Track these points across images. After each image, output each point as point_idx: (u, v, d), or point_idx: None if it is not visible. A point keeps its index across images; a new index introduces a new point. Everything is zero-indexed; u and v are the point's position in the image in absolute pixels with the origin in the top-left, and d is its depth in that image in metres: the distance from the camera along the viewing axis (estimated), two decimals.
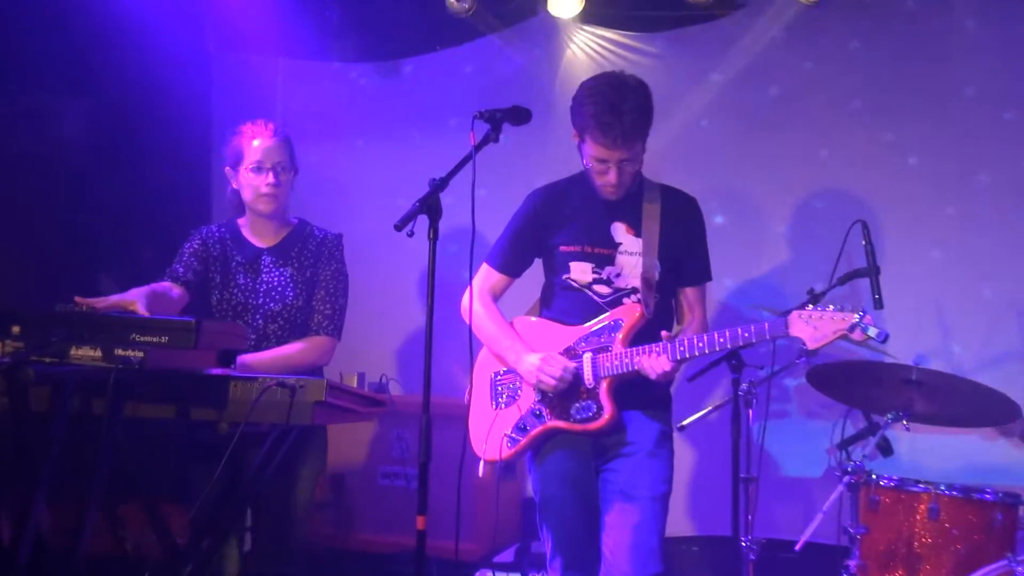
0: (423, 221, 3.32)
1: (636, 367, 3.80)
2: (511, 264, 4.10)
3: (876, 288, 4.16)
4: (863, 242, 4.28)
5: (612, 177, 3.82)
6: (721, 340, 3.69)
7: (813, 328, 3.53)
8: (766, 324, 3.62)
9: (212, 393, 3.50)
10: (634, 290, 3.95)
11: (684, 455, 4.94)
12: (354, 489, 5.42)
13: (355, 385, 4.90)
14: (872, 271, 4.21)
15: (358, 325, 4.60)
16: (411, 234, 3.26)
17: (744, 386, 4.66)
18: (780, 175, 5.55)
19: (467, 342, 3.64)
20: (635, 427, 3.97)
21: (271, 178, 4.28)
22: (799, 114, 5.50)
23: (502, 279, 4.13)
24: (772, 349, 4.25)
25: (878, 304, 4.15)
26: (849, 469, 4.32)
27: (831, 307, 3.56)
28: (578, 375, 3.91)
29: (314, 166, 5.06)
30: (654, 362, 3.75)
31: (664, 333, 3.82)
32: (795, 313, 3.59)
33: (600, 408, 3.87)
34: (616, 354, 3.85)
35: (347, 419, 3.80)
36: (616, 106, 3.71)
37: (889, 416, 4.34)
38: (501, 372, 4.08)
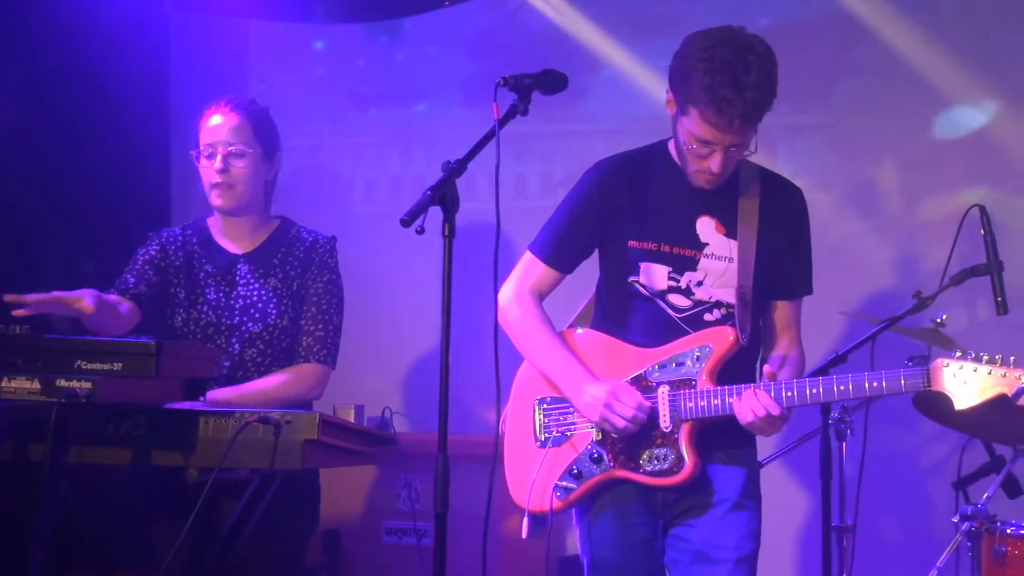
0: (435, 214, 3.27)
1: (729, 412, 3.75)
2: (564, 257, 4.01)
3: (999, 289, 4.11)
4: (981, 232, 4.19)
5: (715, 164, 3.76)
6: (842, 388, 3.64)
7: (962, 383, 3.53)
8: (902, 378, 3.61)
9: (178, 432, 3.50)
10: (718, 304, 3.91)
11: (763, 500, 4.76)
12: (352, 549, 5.41)
13: (352, 420, 4.82)
14: (993, 268, 4.14)
15: (355, 347, 4.60)
16: (421, 231, 3.20)
17: (835, 413, 4.61)
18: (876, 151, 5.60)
19: (492, 362, 3.44)
20: (717, 476, 3.94)
21: (219, 164, 4.32)
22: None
23: (551, 275, 4.02)
24: (871, 361, 4.10)
25: (1001, 309, 4.09)
26: (968, 514, 4.32)
27: (984, 357, 3.55)
28: (653, 415, 3.85)
29: (297, 152, 5.11)
30: (756, 406, 3.68)
31: (768, 370, 3.75)
32: (939, 363, 3.59)
33: (679, 459, 3.82)
34: (703, 392, 3.79)
35: (344, 462, 3.81)
36: (738, 79, 3.61)
37: (1021, 448, 4.39)
38: (548, 400, 3.99)
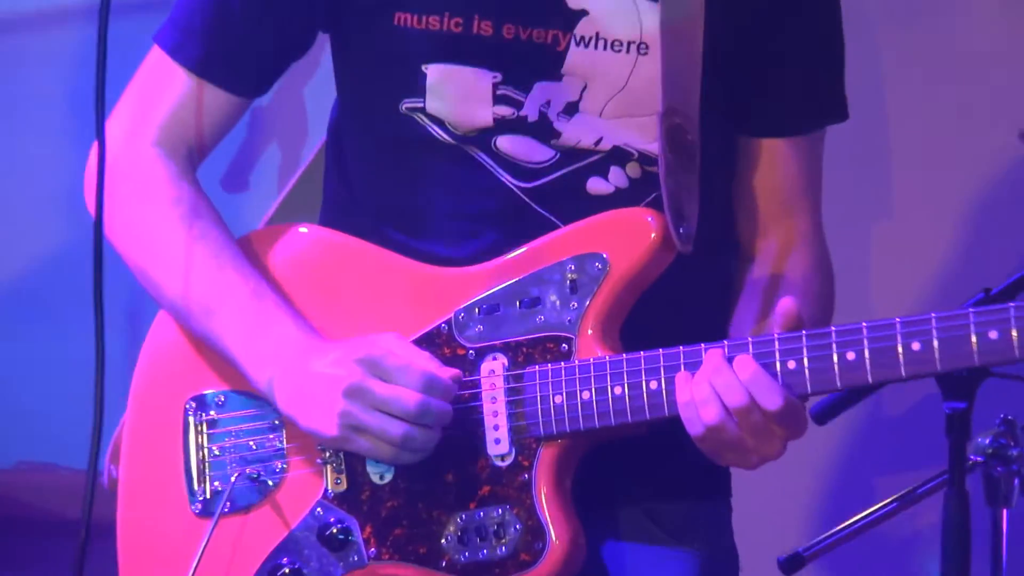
0: None
1: (658, 412, 2.44)
2: (237, 59, 2.71)
3: None
4: None
5: None
6: (918, 352, 2.34)
7: None
8: None
9: None
10: (616, 155, 2.59)
11: None
12: None
13: None
14: None
15: None
16: None
17: (986, 440, 3.16)
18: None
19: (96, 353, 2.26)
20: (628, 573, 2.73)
21: None
22: None
23: (214, 100, 2.70)
24: None
25: None
26: None
27: None
28: (469, 428, 2.55)
29: None
30: (729, 390, 2.39)
31: (788, 304, 2.44)
32: None
33: (535, 532, 2.53)
34: (590, 365, 2.50)
35: None
36: None
37: None
38: (218, 399, 2.66)
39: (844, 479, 3.75)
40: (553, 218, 2.54)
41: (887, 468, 4.20)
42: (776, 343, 2.35)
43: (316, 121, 4.03)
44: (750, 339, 2.36)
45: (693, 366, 2.39)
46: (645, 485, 2.60)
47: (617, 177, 2.58)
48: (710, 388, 2.34)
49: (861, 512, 3.50)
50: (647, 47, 2.54)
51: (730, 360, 2.34)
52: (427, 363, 2.46)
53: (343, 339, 2.53)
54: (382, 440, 2.41)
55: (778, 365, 2.35)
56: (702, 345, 2.38)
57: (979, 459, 3.08)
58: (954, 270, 4.61)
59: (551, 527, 2.45)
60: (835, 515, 3.45)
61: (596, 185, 2.58)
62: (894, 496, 3.50)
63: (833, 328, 2.36)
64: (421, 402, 2.40)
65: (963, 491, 2.74)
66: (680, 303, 2.56)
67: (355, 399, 2.41)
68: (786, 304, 2.39)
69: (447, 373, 2.46)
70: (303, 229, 2.72)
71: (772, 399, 2.30)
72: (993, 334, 2.31)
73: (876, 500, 3.55)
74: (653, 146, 2.53)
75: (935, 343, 2.32)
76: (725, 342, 2.37)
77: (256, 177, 4.14)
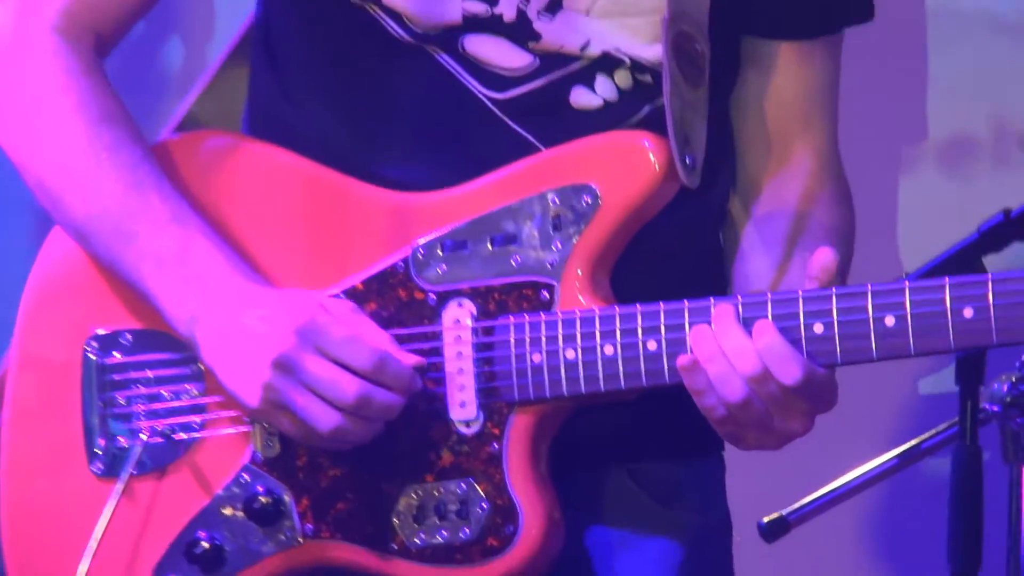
0: None
1: (656, 379, 2.25)
2: None
3: None
4: None
5: None
6: (970, 320, 2.19)
7: None
8: None
9: None
10: (606, 63, 2.42)
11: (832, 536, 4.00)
12: None
13: None
14: None
15: None
16: None
17: (994, 404, 3.04)
18: None
19: None
20: (610, 566, 2.52)
21: None
22: None
23: None
24: None
25: None
26: None
27: None
28: (434, 387, 2.34)
29: None
30: (743, 357, 2.19)
31: (825, 255, 2.23)
32: None
33: (504, 512, 2.32)
34: (576, 320, 2.30)
35: None
36: None
37: None
38: (125, 339, 2.45)
39: (837, 432, 3.56)
40: (530, 137, 2.28)
41: (887, 420, 4.07)
42: (800, 302, 2.11)
43: (224, 16, 3.89)
44: (769, 296, 2.11)
45: (701, 313, 2.19)
46: (627, 444, 2.36)
47: (605, 88, 2.34)
48: (718, 353, 2.12)
49: (855, 470, 3.36)
50: None
51: (745, 322, 2.12)
52: (381, 340, 2.20)
53: (284, 286, 2.27)
54: (309, 426, 2.21)
55: (802, 329, 2.11)
56: (711, 300, 2.13)
57: (995, 409, 2.92)
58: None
59: (524, 508, 2.23)
60: (826, 474, 3.30)
61: (581, 97, 2.34)
62: (894, 451, 3.36)
63: (870, 287, 2.11)
64: (362, 393, 2.16)
65: (975, 446, 2.70)
66: (677, 246, 2.32)
67: (285, 373, 2.17)
68: (825, 257, 2.13)
69: (407, 359, 2.20)
70: (229, 139, 2.46)
71: (790, 372, 2.08)
72: None
73: (873, 456, 3.41)
74: (647, 51, 2.30)
75: (991, 308, 2.09)
76: (739, 297, 2.13)
77: (154, 78, 3.93)
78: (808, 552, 4.20)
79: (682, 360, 2.09)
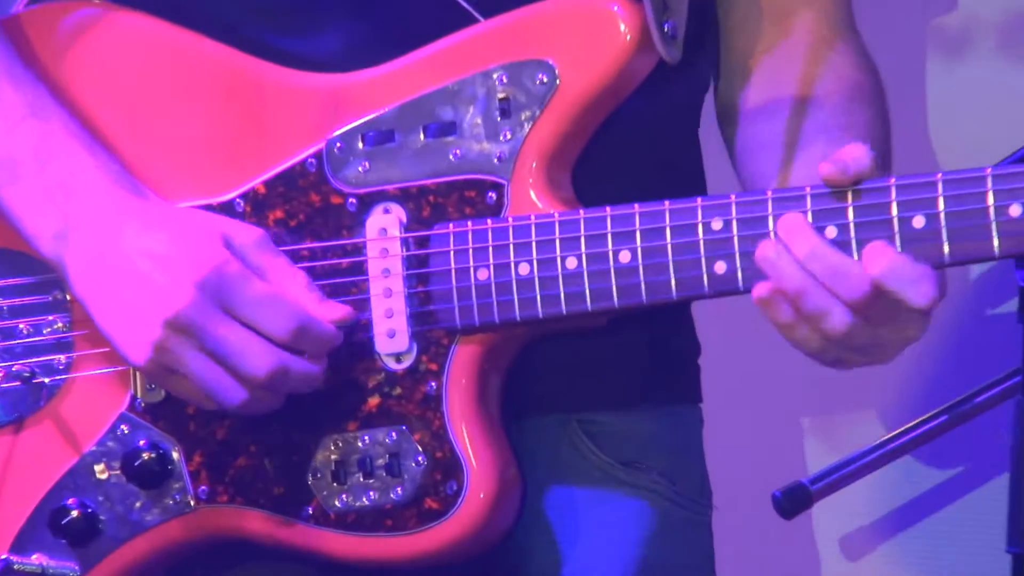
0: None
1: (639, 298, 2.00)
2: None
3: None
4: None
5: None
6: None
7: None
8: None
9: None
10: None
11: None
12: None
13: None
14: None
15: None
16: None
17: None
18: None
19: None
20: (575, 534, 2.22)
21: None
22: None
23: None
24: None
25: None
26: None
27: None
28: (358, 315, 2.08)
29: None
30: (819, 260, 1.93)
31: (860, 153, 1.93)
32: None
33: (448, 468, 2.10)
34: (532, 225, 2.05)
35: None
36: None
37: None
38: None
39: (869, 385, 3.27)
40: (466, 5, 2.02)
41: (936, 370, 3.78)
42: (893, 190, 1.87)
43: None
44: (808, 191, 1.85)
45: (686, 230, 1.90)
46: (577, 388, 2.11)
47: None
48: (809, 280, 1.84)
49: (891, 432, 3.19)
50: None
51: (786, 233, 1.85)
52: (305, 293, 1.94)
53: (170, 192, 2.01)
54: (209, 397, 1.95)
55: (896, 223, 1.86)
56: (698, 200, 1.87)
57: None
58: None
59: (469, 461, 1.99)
60: (854, 436, 3.07)
61: None
62: (941, 407, 3.19)
63: (990, 171, 1.86)
64: (276, 366, 1.91)
65: None
66: (653, 136, 2.07)
67: (182, 335, 1.92)
68: (857, 152, 1.84)
69: (333, 311, 1.96)
70: (96, 9, 2.15)
71: (921, 292, 1.81)
72: None
73: (914, 415, 3.24)
74: None
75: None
76: (808, 194, 1.86)
77: None
78: (824, 533, 3.90)
79: (760, 290, 1.81)
